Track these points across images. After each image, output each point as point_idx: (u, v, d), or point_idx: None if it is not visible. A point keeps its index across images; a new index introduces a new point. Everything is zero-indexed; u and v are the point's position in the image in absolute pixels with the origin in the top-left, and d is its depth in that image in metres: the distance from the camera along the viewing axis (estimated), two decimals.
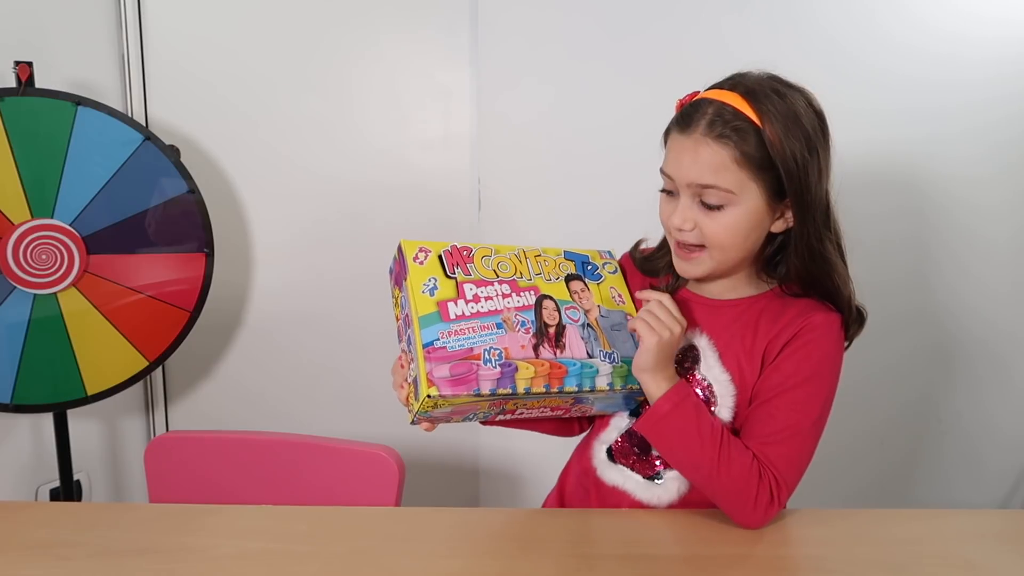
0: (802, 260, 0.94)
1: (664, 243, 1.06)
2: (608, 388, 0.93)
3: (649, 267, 1.07)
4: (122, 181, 1.51)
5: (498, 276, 0.95)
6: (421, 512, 1.01)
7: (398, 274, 0.96)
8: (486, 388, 0.86)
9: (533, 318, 0.93)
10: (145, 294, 1.56)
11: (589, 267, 1.02)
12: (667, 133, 0.96)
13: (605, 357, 0.94)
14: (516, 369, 0.88)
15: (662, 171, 0.95)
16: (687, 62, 1.65)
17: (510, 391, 0.87)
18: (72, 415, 1.62)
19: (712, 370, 0.98)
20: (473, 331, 0.89)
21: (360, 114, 1.78)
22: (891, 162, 1.71)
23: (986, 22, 1.65)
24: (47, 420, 1.64)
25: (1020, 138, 1.70)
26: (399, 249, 0.95)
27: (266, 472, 1.24)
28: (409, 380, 0.91)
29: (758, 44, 1.66)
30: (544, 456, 1.28)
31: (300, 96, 1.77)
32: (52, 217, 1.48)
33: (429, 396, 0.84)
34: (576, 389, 0.91)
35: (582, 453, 1.10)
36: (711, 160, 0.89)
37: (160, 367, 1.82)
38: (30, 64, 1.44)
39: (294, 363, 1.88)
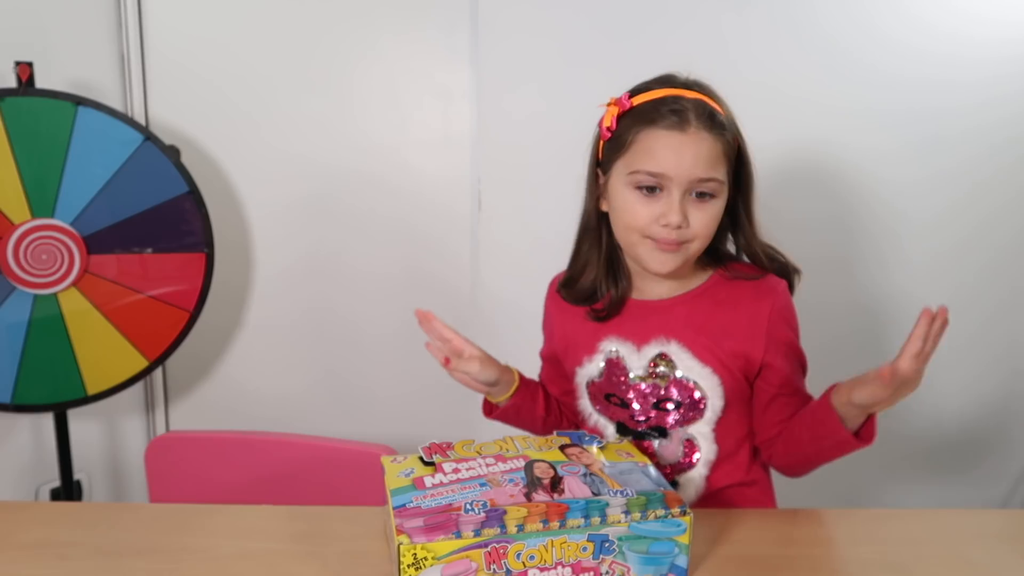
0: (752, 235, 1.01)
1: (583, 262, 1.04)
2: (624, 517, 0.79)
3: (578, 295, 1.05)
4: (122, 181, 1.51)
5: (481, 454, 0.89)
6: None
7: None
8: (468, 529, 0.76)
9: (523, 475, 0.85)
10: (145, 294, 1.56)
11: (587, 438, 0.94)
12: (634, 134, 0.95)
13: (616, 494, 0.82)
14: (504, 512, 0.78)
15: (646, 172, 0.93)
16: (687, 62, 1.64)
17: (499, 531, 0.77)
18: (72, 415, 1.63)
19: (693, 370, 0.99)
20: (453, 492, 0.81)
21: (360, 114, 1.78)
22: (891, 161, 1.71)
23: (986, 22, 1.65)
24: (47, 420, 1.64)
25: (1020, 138, 1.70)
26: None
27: (266, 472, 1.24)
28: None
29: (758, 44, 1.66)
30: None
31: (300, 96, 1.77)
32: (52, 217, 1.48)
33: (400, 544, 0.74)
34: (583, 522, 0.79)
35: None
36: (710, 153, 0.92)
37: (160, 367, 1.82)
38: (30, 64, 1.44)
39: (294, 363, 1.88)
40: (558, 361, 1.12)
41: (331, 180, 1.80)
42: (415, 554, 0.75)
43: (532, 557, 0.78)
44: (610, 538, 0.80)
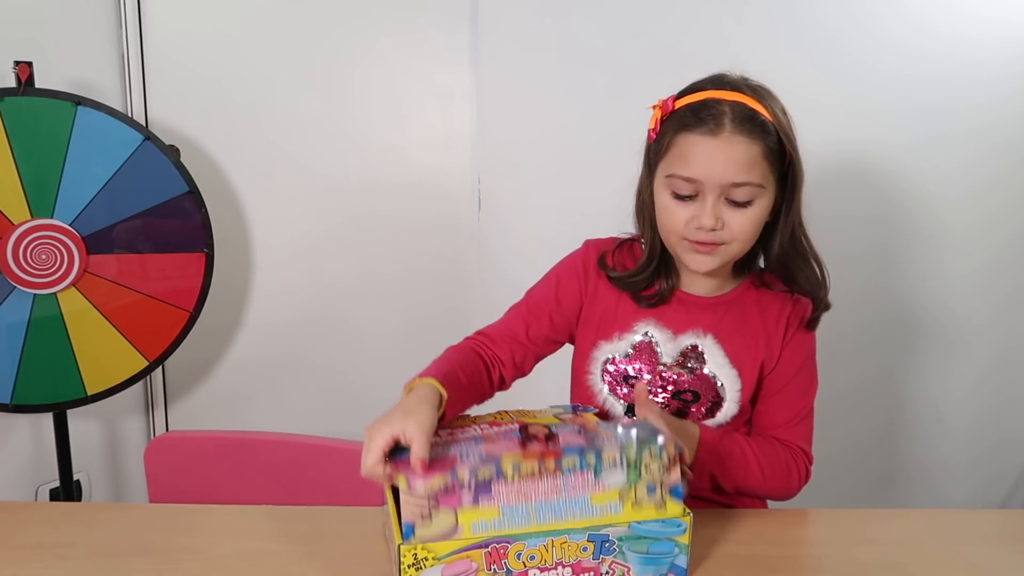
0: (787, 247, 0.99)
1: (646, 255, 1.03)
2: (619, 457, 0.79)
3: (628, 286, 1.04)
4: (122, 181, 1.51)
5: (476, 423, 0.90)
6: None
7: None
8: (463, 472, 0.76)
9: (518, 432, 0.86)
10: (145, 294, 1.56)
11: (580, 408, 0.96)
12: (671, 138, 0.94)
13: (610, 440, 0.83)
14: (500, 458, 0.79)
15: (680, 177, 0.93)
16: (687, 63, 1.63)
17: (493, 470, 0.77)
18: (72, 415, 1.62)
19: (722, 368, 1.02)
20: (448, 446, 0.82)
21: (361, 114, 1.78)
22: (891, 162, 1.71)
23: (986, 22, 1.65)
24: (47, 420, 1.64)
25: (1020, 138, 1.70)
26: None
27: (266, 472, 1.24)
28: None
29: (758, 44, 1.66)
30: None
31: (301, 96, 1.77)
32: (52, 217, 1.48)
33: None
34: (577, 463, 0.79)
35: None
36: (744, 157, 0.91)
37: (160, 367, 1.82)
38: (30, 64, 1.44)
39: (294, 363, 1.88)
40: (557, 316, 1.07)
41: (331, 180, 1.80)
42: (415, 554, 0.75)
43: (532, 557, 0.78)
44: (610, 538, 0.79)
